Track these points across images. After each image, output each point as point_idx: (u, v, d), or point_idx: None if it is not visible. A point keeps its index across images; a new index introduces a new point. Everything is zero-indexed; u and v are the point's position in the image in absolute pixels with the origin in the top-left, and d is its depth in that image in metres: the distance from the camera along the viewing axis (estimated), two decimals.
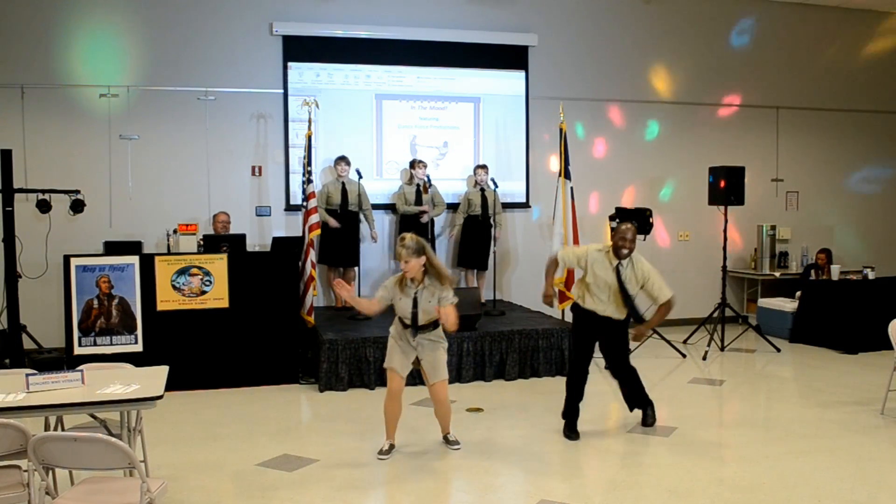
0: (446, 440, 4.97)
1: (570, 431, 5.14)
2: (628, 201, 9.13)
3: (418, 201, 7.96)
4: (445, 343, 4.81)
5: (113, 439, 2.96)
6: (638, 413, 5.41)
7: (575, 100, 8.94)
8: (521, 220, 8.98)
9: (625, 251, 4.94)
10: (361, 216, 8.00)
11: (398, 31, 8.40)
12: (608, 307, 5.02)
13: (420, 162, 8.08)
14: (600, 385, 6.61)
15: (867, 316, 7.73)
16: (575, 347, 5.32)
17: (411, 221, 7.90)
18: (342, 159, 7.86)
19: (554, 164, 8.07)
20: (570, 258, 5.19)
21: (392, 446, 4.84)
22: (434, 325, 4.70)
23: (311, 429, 5.55)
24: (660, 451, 4.85)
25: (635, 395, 5.35)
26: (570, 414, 5.20)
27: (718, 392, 6.47)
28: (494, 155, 8.79)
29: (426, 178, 7.95)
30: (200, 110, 7.99)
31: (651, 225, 7.91)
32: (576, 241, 7.66)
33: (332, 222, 7.72)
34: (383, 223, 8.49)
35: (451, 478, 4.47)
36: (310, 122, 7.47)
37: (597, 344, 5.22)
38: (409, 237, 4.56)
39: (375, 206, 8.21)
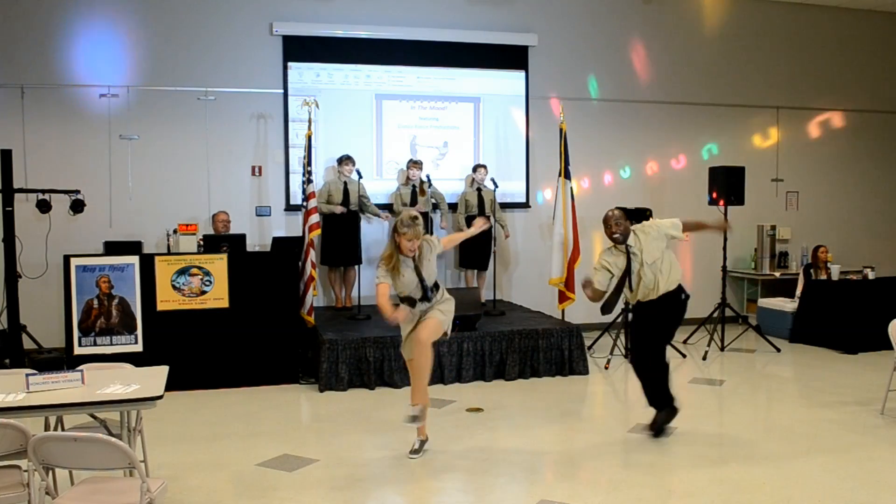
0: (411, 417, 4.63)
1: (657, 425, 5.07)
2: (628, 201, 9.12)
3: (413, 202, 7.95)
4: (450, 313, 4.72)
5: (113, 439, 2.96)
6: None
7: (575, 100, 8.94)
8: (521, 220, 8.98)
9: (617, 235, 4.93)
10: (362, 216, 7.99)
11: (398, 31, 8.40)
12: (651, 288, 4.93)
13: (416, 162, 8.08)
14: (600, 385, 6.61)
15: (867, 316, 7.73)
16: (638, 336, 5.16)
17: None
18: (348, 159, 7.85)
19: (554, 164, 8.06)
20: (601, 278, 4.96)
21: (420, 412, 4.64)
22: (437, 287, 4.67)
23: (311, 429, 5.55)
24: (660, 451, 4.85)
25: (664, 389, 5.15)
26: (657, 401, 5.09)
27: (718, 392, 6.47)
28: (494, 155, 8.79)
29: (426, 178, 7.95)
30: (200, 110, 7.99)
31: None
32: (576, 242, 7.66)
33: (338, 209, 7.72)
34: (384, 223, 8.47)
35: (451, 478, 4.47)
36: (310, 122, 7.47)
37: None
38: (419, 216, 4.57)
39: (375, 206, 8.21)
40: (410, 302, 4.61)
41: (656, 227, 5.00)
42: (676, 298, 5.00)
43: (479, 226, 5.00)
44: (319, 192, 7.59)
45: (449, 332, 4.81)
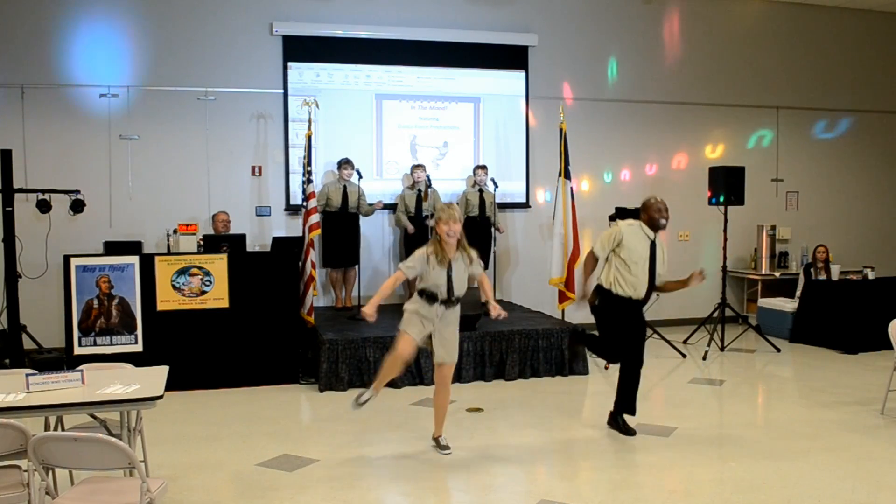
0: (437, 444, 4.85)
1: (626, 428, 5.12)
2: (628, 201, 9.12)
3: (418, 207, 7.93)
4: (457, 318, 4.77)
5: (113, 439, 2.96)
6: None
7: (575, 100, 8.95)
8: (521, 220, 8.98)
9: (664, 221, 4.95)
10: (362, 217, 8.00)
11: (398, 31, 8.40)
12: (639, 288, 4.96)
13: (420, 165, 8.08)
14: (600, 385, 6.61)
15: (867, 316, 7.73)
16: (617, 333, 5.06)
17: (414, 224, 7.92)
18: (347, 163, 7.85)
19: (554, 164, 8.06)
20: (604, 241, 5.01)
21: (369, 398, 4.70)
22: (458, 300, 4.68)
23: (311, 429, 5.54)
24: (660, 451, 4.85)
25: (621, 405, 5.22)
26: (624, 406, 5.14)
27: (718, 392, 6.47)
28: (494, 155, 8.80)
29: (426, 178, 7.95)
30: (200, 110, 7.99)
31: None
32: (576, 241, 7.66)
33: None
34: (383, 223, 8.49)
35: (451, 478, 4.47)
36: (310, 122, 7.47)
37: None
38: (454, 204, 4.70)
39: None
40: (431, 298, 4.59)
41: (664, 250, 5.09)
42: (643, 304, 5.09)
43: (496, 310, 4.79)
44: (318, 196, 7.59)
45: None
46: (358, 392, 4.78)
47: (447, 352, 4.71)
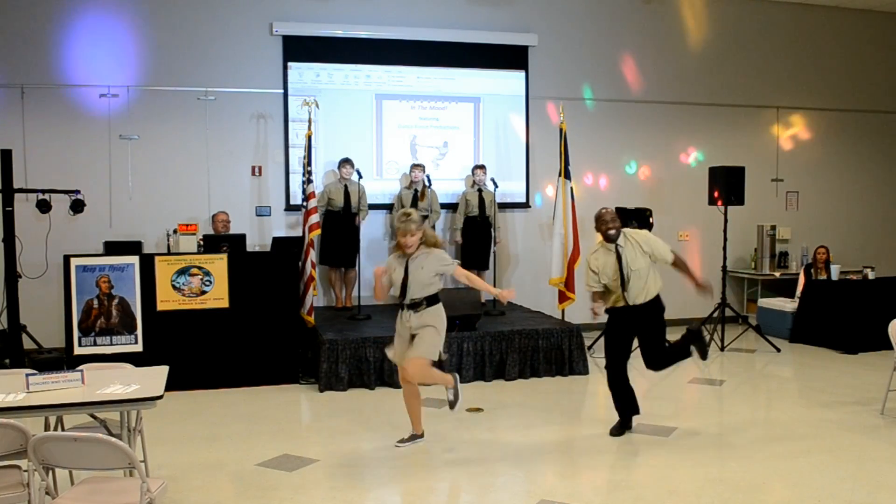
0: (412, 438, 4.91)
1: (619, 428, 5.16)
2: (628, 201, 9.12)
3: (414, 206, 7.91)
4: (440, 325, 4.71)
5: (113, 439, 2.96)
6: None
7: (575, 100, 8.95)
8: (521, 220, 8.98)
9: (612, 232, 4.96)
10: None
11: (398, 31, 8.40)
12: (633, 293, 4.95)
13: (419, 165, 8.08)
14: (600, 385, 6.60)
15: (867, 316, 7.73)
16: (610, 346, 5.17)
17: None
18: (347, 161, 7.85)
19: (554, 164, 8.06)
20: (587, 278, 5.09)
21: (414, 436, 4.86)
22: (429, 302, 4.64)
23: (311, 429, 5.55)
24: (660, 451, 4.85)
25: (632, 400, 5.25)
26: (621, 412, 5.19)
27: (718, 392, 6.47)
28: (494, 155, 8.79)
29: (425, 179, 7.95)
30: (200, 110, 7.99)
31: (651, 225, 7.91)
32: (576, 241, 7.66)
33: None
34: (383, 223, 8.49)
35: (451, 478, 4.47)
36: (310, 122, 7.47)
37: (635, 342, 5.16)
38: (414, 212, 4.69)
39: (375, 206, 8.22)
40: (401, 306, 4.69)
41: (647, 241, 5.02)
42: (657, 304, 5.07)
43: (504, 294, 4.88)
44: (319, 197, 7.59)
45: (444, 356, 4.91)
46: (405, 441, 4.88)
47: (414, 347, 4.66)
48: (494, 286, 8.11)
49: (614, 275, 4.94)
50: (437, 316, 4.71)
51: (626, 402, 5.18)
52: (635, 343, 5.16)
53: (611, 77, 9.20)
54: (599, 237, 5.11)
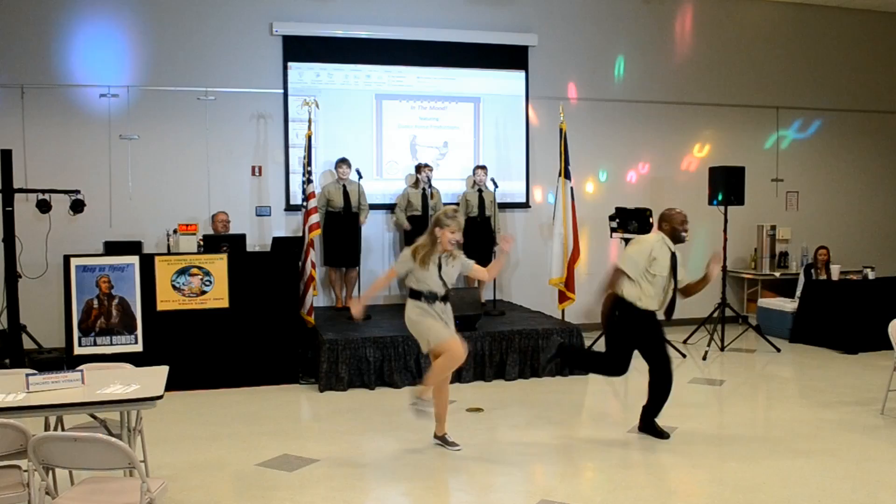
0: (444, 441, 4.90)
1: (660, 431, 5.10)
2: (628, 201, 9.12)
3: (424, 206, 7.89)
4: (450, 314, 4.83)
5: (113, 439, 2.96)
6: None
7: (575, 100, 8.95)
8: (521, 220, 8.98)
9: (684, 235, 4.93)
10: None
11: (398, 31, 8.40)
12: (662, 301, 4.93)
13: (426, 166, 8.04)
14: (600, 385, 6.61)
15: (867, 316, 7.73)
16: (621, 347, 4.98)
17: (420, 223, 7.90)
18: (343, 161, 7.85)
19: (554, 164, 8.06)
20: (638, 259, 4.86)
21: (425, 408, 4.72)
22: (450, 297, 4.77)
23: (311, 429, 5.55)
24: (660, 451, 4.85)
25: (656, 410, 5.13)
26: (655, 411, 5.11)
27: (718, 392, 6.47)
28: (494, 155, 8.79)
29: (427, 179, 7.93)
30: (200, 110, 7.99)
31: (651, 225, 7.90)
32: (576, 241, 7.66)
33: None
34: (384, 223, 8.49)
35: (451, 478, 4.47)
36: (310, 122, 7.47)
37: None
38: (459, 209, 4.73)
39: (375, 206, 8.22)
40: (431, 298, 4.63)
41: (678, 255, 5.05)
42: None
43: (506, 239, 5.03)
44: (318, 197, 7.58)
45: None
46: (414, 395, 4.74)
47: (441, 328, 4.68)
48: (495, 286, 8.16)
49: (666, 275, 4.89)
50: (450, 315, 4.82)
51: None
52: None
53: (610, 77, 9.20)
54: (650, 238, 4.99)
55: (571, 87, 9.05)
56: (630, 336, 4.99)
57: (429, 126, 8.66)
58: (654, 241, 4.94)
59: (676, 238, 4.95)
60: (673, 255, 4.94)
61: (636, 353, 5.07)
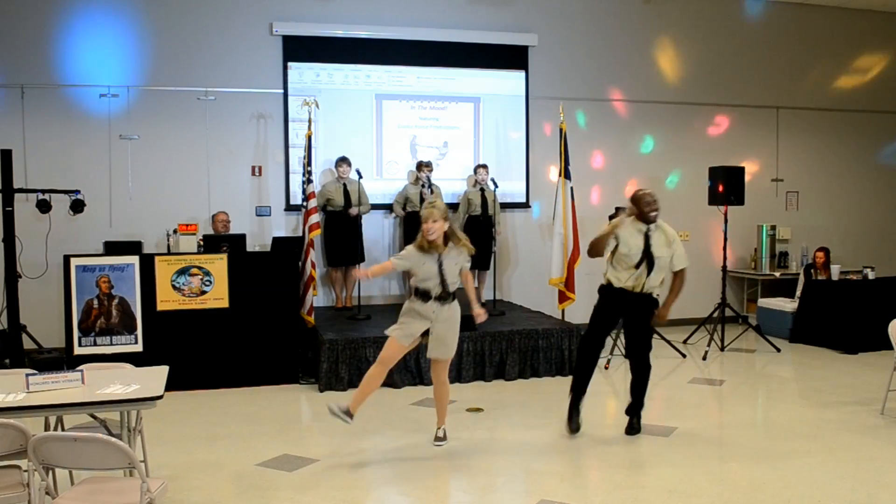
0: (435, 436, 4.94)
1: (570, 420, 5.13)
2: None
3: (422, 202, 7.88)
4: (458, 324, 4.81)
5: (113, 439, 2.96)
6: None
7: (575, 100, 8.95)
8: (521, 220, 8.98)
9: (654, 214, 4.96)
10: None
11: (398, 31, 8.40)
12: (640, 279, 4.95)
13: (427, 165, 8.05)
14: (600, 385, 6.60)
15: (867, 316, 7.73)
16: (592, 322, 5.14)
17: (417, 220, 7.90)
18: (343, 160, 7.86)
19: (554, 164, 8.07)
20: (609, 240, 5.02)
21: (350, 416, 4.66)
22: (454, 297, 4.72)
23: (311, 429, 5.55)
24: (660, 451, 4.85)
25: (638, 396, 5.27)
26: (573, 399, 5.16)
27: (718, 392, 6.47)
28: (494, 155, 8.79)
29: (427, 179, 7.94)
30: (200, 110, 7.99)
31: None
32: (576, 241, 7.65)
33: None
34: (384, 223, 8.49)
35: (451, 478, 4.47)
36: (310, 122, 7.47)
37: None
38: (439, 201, 4.69)
39: (376, 206, 8.22)
40: (425, 296, 4.62)
41: (674, 240, 5.06)
42: (651, 299, 5.07)
43: (479, 313, 4.92)
44: (318, 196, 7.58)
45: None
46: (337, 405, 4.71)
47: (446, 346, 4.76)
48: (495, 286, 8.16)
49: (637, 255, 4.93)
50: (458, 312, 4.81)
51: (582, 382, 5.17)
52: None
53: (610, 77, 9.20)
54: (628, 218, 5.04)
55: (571, 87, 9.00)
56: (597, 309, 5.12)
57: (429, 126, 8.66)
58: (622, 223, 5.03)
59: (645, 219, 4.98)
60: (647, 237, 4.95)
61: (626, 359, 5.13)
